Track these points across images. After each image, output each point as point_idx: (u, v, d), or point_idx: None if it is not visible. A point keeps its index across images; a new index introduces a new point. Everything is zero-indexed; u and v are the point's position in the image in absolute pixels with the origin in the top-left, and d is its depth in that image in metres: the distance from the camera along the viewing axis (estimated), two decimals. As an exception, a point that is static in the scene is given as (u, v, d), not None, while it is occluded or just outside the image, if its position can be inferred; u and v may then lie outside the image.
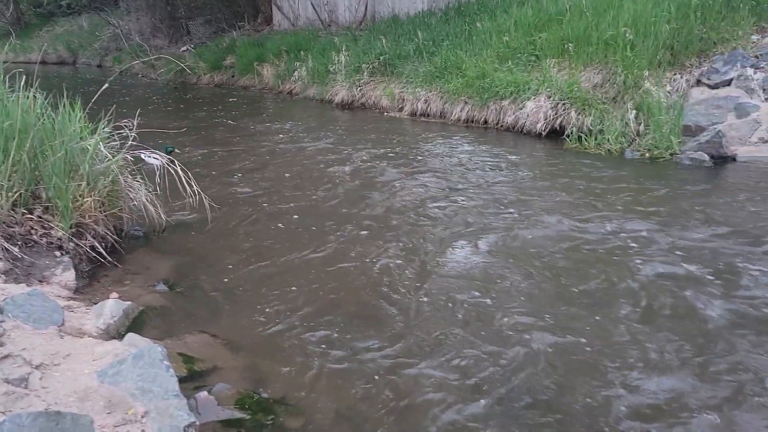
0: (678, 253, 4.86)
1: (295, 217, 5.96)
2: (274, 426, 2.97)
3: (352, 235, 5.43)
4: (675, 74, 9.06)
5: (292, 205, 6.36)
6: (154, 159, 5.68)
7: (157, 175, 5.76)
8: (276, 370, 3.43)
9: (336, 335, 3.76)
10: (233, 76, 19.12)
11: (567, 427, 2.93)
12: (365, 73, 13.52)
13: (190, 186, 5.28)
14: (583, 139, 8.83)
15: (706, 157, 7.68)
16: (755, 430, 2.88)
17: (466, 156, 8.50)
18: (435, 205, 6.26)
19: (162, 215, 5.31)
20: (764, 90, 8.13)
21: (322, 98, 14.67)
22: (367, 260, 4.87)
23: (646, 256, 4.82)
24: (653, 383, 3.23)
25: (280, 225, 5.75)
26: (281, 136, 10.39)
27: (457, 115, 11.14)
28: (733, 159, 7.71)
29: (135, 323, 3.78)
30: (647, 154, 8.18)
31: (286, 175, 7.66)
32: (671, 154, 8.02)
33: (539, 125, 9.56)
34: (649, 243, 5.09)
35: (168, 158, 5.47)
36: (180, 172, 5.33)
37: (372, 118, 12.34)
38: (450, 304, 4.13)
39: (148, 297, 4.20)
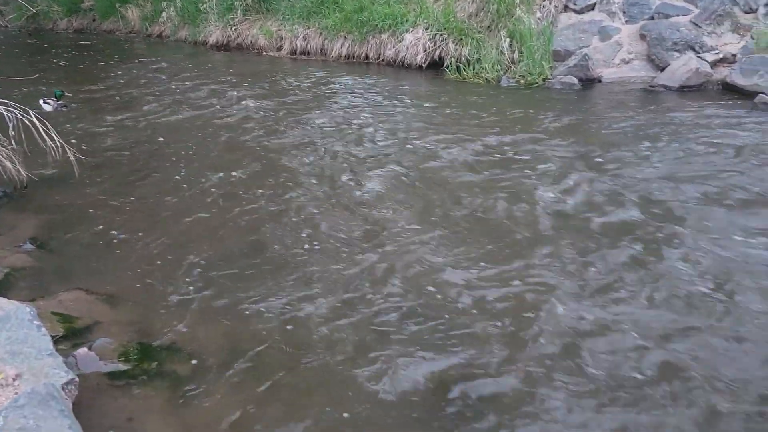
0: (551, 163, 5.14)
1: (172, 165, 5.68)
2: (164, 373, 2.88)
3: (236, 180, 5.26)
4: (544, 0, 9.34)
5: (168, 152, 6.04)
6: (46, 104, 5.18)
7: (11, 128, 5.24)
8: (162, 320, 3.31)
9: (221, 280, 3.67)
10: (94, 20, 17.60)
11: (431, 330, 3.07)
12: (239, 11, 12.88)
13: (51, 138, 4.86)
14: (462, 69, 8.99)
15: (575, 80, 8.08)
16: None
17: (349, 92, 8.41)
18: (323, 142, 6.18)
19: (21, 171, 4.87)
20: (624, 13, 8.58)
21: (195, 40, 13.89)
22: (253, 204, 4.75)
23: (523, 170, 5.05)
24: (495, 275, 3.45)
25: (156, 174, 5.47)
26: (152, 83, 9.76)
27: (337, 52, 10.95)
28: (599, 80, 8.17)
29: (0, 287, 3.49)
30: (522, 81, 8.47)
31: (161, 122, 7.24)
32: (544, 80, 8.35)
33: (419, 57, 9.61)
34: (524, 157, 5.33)
35: (59, 103, 4.99)
36: (37, 123, 4.87)
37: (250, 58, 11.87)
38: (337, 243, 4.14)
39: (14, 258, 3.89)
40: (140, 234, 4.28)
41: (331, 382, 2.79)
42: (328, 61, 10.99)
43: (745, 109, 6.56)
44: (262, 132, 6.65)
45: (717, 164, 5.07)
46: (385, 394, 2.70)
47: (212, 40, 13.25)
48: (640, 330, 3.03)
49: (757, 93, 6.76)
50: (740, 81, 7.08)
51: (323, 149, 5.97)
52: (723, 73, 7.44)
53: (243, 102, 8.04)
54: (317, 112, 7.40)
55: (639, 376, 2.72)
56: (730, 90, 7.20)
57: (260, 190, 4.98)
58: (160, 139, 6.46)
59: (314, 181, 5.14)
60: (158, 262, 3.89)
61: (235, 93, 8.53)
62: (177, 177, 5.36)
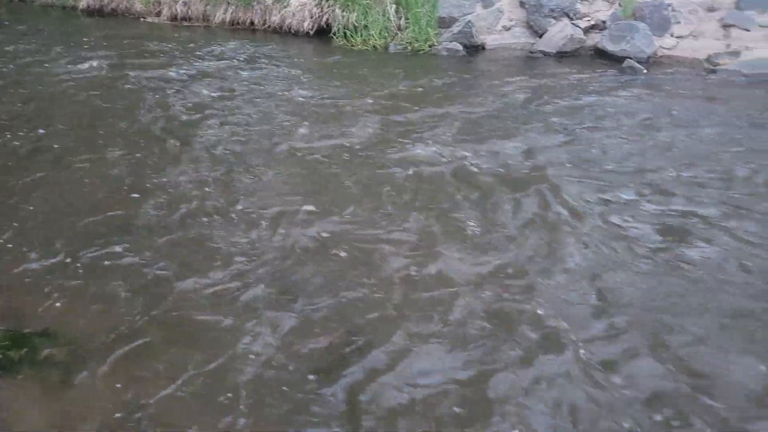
0: (435, 122, 5.24)
1: (36, 138, 5.25)
2: (37, 359, 2.71)
3: (108, 152, 4.95)
4: (428, -33, 9.39)
5: (35, 124, 5.57)
6: None
7: None
8: (33, 305, 3.09)
9: (93, 261, 3.47)
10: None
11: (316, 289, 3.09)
12: (112, -27, 11.97)
13: None
14: (349, 36, 8.91)
15: (460, 47, 8.24)
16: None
17: (235, 60, 8.09)
18: (210, 111, 5.92)
19: None
20: (504, -20, 8.80)
21: (64, 5, 12.79)
22: (119, 182, 4.49)
23: (409, 134, 5.12)
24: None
25: (16, 142, 5.04)
26: (15, 54, 8.92)
27: (221, 18, 10.47)
28: (483, 47, 8.38)
29: None
30: (409, 47, 8.52)
31: (23, 94, 6.65)
32: (430, 46, 8.45)
33: (306, 24, 9.41)
34: (409, 122, 5.40)
35: None
36: None
37: (127, 24, 11.11)
38: (214, 217, 4.02)
39: None
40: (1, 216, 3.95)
41: (213, 356, 2.73)
42: (211, 27, 10.50)
43: (614, 72, 6.98)
44: (144, 97, 6.28)
45: (585, 123, 5.41)
46: (269, 364, 2.69)
47: (83, 4, 12.25)
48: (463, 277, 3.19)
49: (625, 58, 7.20)
50: (610, 47, 7.50)
51: (198, 122, 5.73)
52: (595, 39, 7.85)
53: (124, 71, 7.53)
54: (210, 79, 7.08)
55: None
56: (601, 55, 7.62)
57: (125, 167, 4.71)
58: (25, 116, 5.93)
59: (189, 156, 4.94)
60: (22, 244, 3.61)
61: (117, 62, 7.97)
62: (39, 149, 4.97)
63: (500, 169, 4.54)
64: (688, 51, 7.31)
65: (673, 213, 3.85)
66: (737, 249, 3.45)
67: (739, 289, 3.13)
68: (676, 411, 2.40)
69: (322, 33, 9.34)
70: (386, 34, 8.78)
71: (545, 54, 7.84)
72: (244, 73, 7.40)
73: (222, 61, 7.96)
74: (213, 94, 6.52)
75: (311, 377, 2.61)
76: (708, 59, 7.03)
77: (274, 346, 2.79)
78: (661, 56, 7.33)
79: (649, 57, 7.24)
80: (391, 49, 8.57)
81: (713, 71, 6.77)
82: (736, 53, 6.99)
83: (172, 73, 7.30)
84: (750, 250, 3.44)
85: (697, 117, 5.48)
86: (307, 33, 9.44)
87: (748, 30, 7.23)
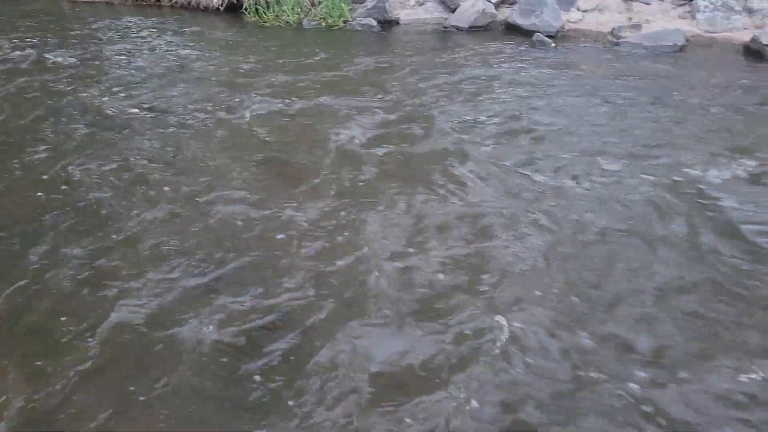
0: (351, 107, 5.18)
1: None
2: None
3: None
4: (340, -59, 9.22)
5: None
6: None
7: None
8: None
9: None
10: None
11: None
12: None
13: None
14: (261, 11, 8.65)
15: (374, 23, 8.15)
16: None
17: (141, 37, 7.71)
18: (117, 90, 5.61)
19: None
20: (416, -45, 8.76)
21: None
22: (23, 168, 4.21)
23: (318, 114, 5.03)
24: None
25: None
26: None
27: (124, -7, 9.95)
28: (397, 22, 8.33)
29: None
30: (323, 23, 8.37)
31: None
32: (344, 22, 8.32)
33: (216, 0, 9.07)
34: (325, 99, 5.31)
35: None
36: None
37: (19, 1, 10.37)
38: (124, 197, 3.82)
39: None
40: None
41: (130, 347, 2.59)
42: (113, 3, 9.95)
43: (525, 46, 7.09)
44: (48, 77, 5.87)
45: (495, 91, 5.49)
46: (179, 341, 2.58)
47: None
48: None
49: (534, 32, 7.33)
50: (520, 21, 7.62)
51: (84, 99, 5.43)
52: (506, 13, 7.95)
53: (27, 52, 7.02)
54: (116, 59, 6.70)
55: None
56: (512, 29, 7.72)
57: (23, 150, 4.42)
58: None
59: (86, 135, 4.67)
60: None
61: (15, 42, 7.41)
62: None
63: (407, 143, 4.54)
64: (593, 24, 7.53)
65: (564, 158, 3.96)
66: (605, 184, 3.58)
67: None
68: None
69: (234, 9, 9.03)
70: (299, 10, 8.59)
71: (458, 29, 7.87)
72: (141, 45, 7.06)
73: (122, 41, 7.56)
74: (113, 72, 6.19)
75: (230, 360, 2.52)
76: (612, 32, 7.26)
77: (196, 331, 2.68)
78: (568, 30, 7.51)
79: (557, 31, 7.40)
80: (305, 25, 8.39)
81: (617, 44, 7.00)
82: (637, 26, 7.24)
83: (58, 58, 6.87)
84: (616, 187, 3.56)
85: (601, 86, 5.65)
86: (217, 9, 9.11)
87: (648, 4, 7.52)
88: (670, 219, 3.43)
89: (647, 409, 2.24)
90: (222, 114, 5.09)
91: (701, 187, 3.74)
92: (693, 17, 7.15)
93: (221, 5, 9.06)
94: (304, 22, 8.42)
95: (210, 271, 3.06)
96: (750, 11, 6.99)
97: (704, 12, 7.10)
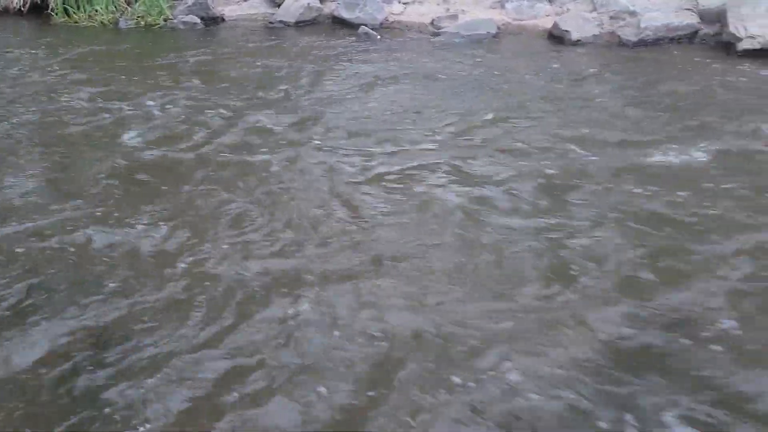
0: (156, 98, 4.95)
1: None
2: None
3: None
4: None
5: None
6: None
7: None
8: None
9: None
10: None
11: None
12: None
13: None
14: (71, 12, 8.00)
15: (198, 20, 7.86)
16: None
17: None
18: None
19: None
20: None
21: None
22: None
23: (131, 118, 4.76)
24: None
25: None
26: None
27: None
28: (222, 19, 8.11)
29: None
30: (142, 22, 7.92)
31: None
32: (165, 20, 7.93)
33: (16, 1, 8.25)
34: (141, 102, 5.03)
35: None
36: None
37: None
38: None
39: None
40: None
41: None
42: None
43: (352, 39, 7.20)
44: None
45: (322, 84, 5.55)
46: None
47: None
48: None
49: (360, 24, 7.47)
50: (345, 14, 7.71)
51: None
52: (331, 7, 8.02)
53: None
54: None
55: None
56: (338, 23, 7.81)
57: None
58: None
59: None
60: None
61: None
62: None
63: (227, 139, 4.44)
64: (414, 16, 7.82)
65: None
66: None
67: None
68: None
69: (38, 9, 8.27)
70: (114, 9, 8.06)
71: (285, 24, 7.82)
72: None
73: None
74: None
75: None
76: (432, 23, 7.59)
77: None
78: (392, 22, 7.74)
79: (381, 23, 7.60)
80: (122, 25, 7.90)
81: (438, 34, 7.32)
82: (454, 16, 7.62)
83: None
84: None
85: (423, 75, 5.88)
86: (20, 10, 8.29)
87: (463, -6, 7.95)
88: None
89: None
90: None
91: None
92: (503, 7, 7.66)
93: (23, 6, 8.26)
94: (121, 22, 7.93)
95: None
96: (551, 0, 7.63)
97: (512, 2, 7.64)
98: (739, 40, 6.03)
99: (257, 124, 4.70)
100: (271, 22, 7.90)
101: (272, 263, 3.01)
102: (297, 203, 3.57)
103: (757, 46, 5.94)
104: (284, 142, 4.39)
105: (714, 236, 3.11)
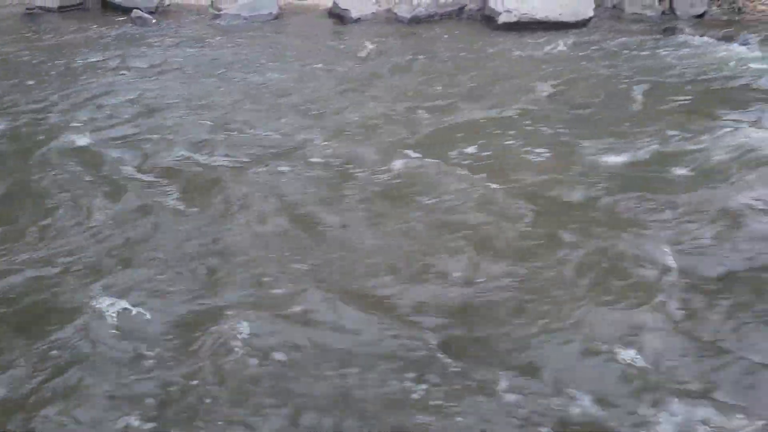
0: None
1: None
2: None
3: None
4: None
5: None
6: None
7: None
8: None
9: None
10: None
11: None
12: None
13: None
14: None
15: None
16: None
17: None
18: None
19: None
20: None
21: None
22: None
23: None
24: None
25: None
26: None
27: None
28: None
29: None
30: None
31: None
32: None
33: None
34: None
35: None
36: None
37: None
38: None
39: None
40: None
41: None
42: None
43: (127, 25, 6.71)
44: None
45: (86, 75, 5.11)
46: None
47: None
48: None
49: (133, 8, 6.97)
50: (113, -2, 7.17)
51: None
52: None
53: None
54: None
55: None
56: (109, 7, 7.24)
57: None
58: None
59: None
60: None
61: None
62: None
63: None
64: (193, -2, 7.47)
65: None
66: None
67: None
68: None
69: None
70: None
71: (47, 10, 7.07)
72: None
73: None
74: None
75: None
76: (212, 5, 7.29)
77: None
78: (169, 5, 7.34)
79: (157, 6, 7.17)
80: None
81: (218, 15, 7.06)
82: (234, -3, 7.40)
83: None
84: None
85: (201, 57, 5.64)
86: None
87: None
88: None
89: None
90: None
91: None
92: (282, -15, 7.58)
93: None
94: None
95: None
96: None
97: (292, -20, 7.57)
98: (498, 14, 6.56)
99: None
100: (28, 9, 7.09)
101: None
102: None
103: (514, 19, 6.50)
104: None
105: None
